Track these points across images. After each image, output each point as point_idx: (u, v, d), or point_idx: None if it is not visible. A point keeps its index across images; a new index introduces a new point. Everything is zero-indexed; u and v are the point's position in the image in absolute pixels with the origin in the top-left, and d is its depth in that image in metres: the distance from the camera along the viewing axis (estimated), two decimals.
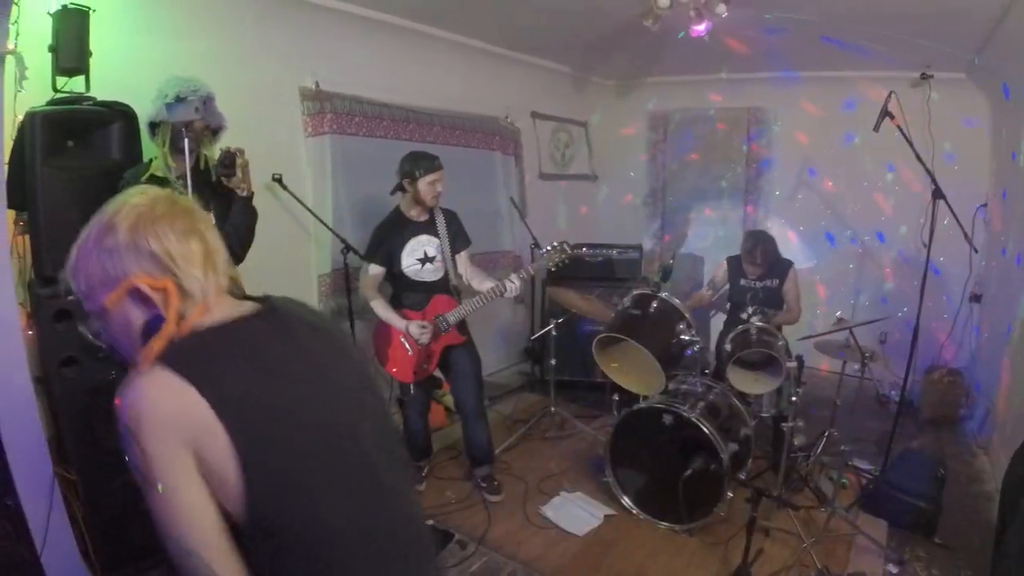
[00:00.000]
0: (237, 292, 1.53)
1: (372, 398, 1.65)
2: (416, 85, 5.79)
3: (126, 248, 1.34)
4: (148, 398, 1.22)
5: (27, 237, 3.37)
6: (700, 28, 4.93)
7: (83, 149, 3.40)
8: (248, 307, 1.49)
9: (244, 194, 3.36)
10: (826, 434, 4.41)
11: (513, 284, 4.18)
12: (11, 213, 3.26)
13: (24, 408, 3.17)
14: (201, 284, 1.38)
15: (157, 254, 1.34)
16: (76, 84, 3.47)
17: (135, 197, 1.41)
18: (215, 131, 3.37)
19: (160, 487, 1.20)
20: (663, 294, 4.41)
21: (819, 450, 4.43)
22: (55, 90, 3.43)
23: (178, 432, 1.22)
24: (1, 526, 3.32)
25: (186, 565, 1.23)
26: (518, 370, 7.13)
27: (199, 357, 1.30)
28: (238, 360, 1.35)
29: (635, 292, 4.57)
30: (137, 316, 1.36)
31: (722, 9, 4.65)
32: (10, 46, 3.12)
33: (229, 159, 3.26)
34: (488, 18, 5.61)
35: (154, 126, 3.27)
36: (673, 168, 8.23)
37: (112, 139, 3.46)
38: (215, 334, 1.36)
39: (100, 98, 3.49)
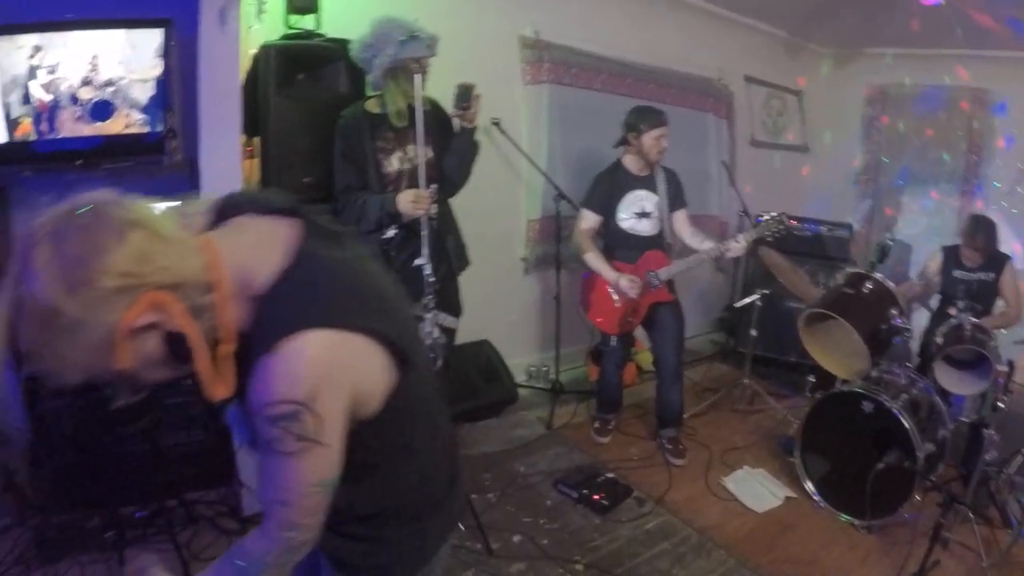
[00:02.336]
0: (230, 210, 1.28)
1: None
2: (632, 40, 5.57)
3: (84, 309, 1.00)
4: (319, 361, 1.10)
5: (254, 161, 3.50)
6: None
7: (312, 82, 3.50)
8: (284, 235, 1.22)
9: (471, 126, 3.33)
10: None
11: (738, 244, 3.97)
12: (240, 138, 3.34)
13: None
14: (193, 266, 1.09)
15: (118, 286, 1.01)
16: (307, 22, 3.56)
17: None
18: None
19: (323, 443, 1.13)
20: (878, 275, 4.07)
21: (1012, 469, 3.85)
22: (287, 27, 3.53)
23: (346, 383, 1.15)
24: (206, 421, 3.51)
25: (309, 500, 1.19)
26: (710, 339, 6.83)
27: (335, 305, 1.16)
28: (357, 297, 1.22)
29: (849, 270, 4.25)
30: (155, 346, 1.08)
31: None
32: None
33: (467, 92, 3.24)
34: None
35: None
36: (888, 147, 7.47)
37: (339, 74, 3.53)
38: (324, 274, 1.20)
39: (329, 35, 3.55)
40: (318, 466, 1.15)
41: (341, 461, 1.19)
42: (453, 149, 3.36)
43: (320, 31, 3.55)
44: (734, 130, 6.72)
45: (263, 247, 1.19)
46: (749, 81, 6.94)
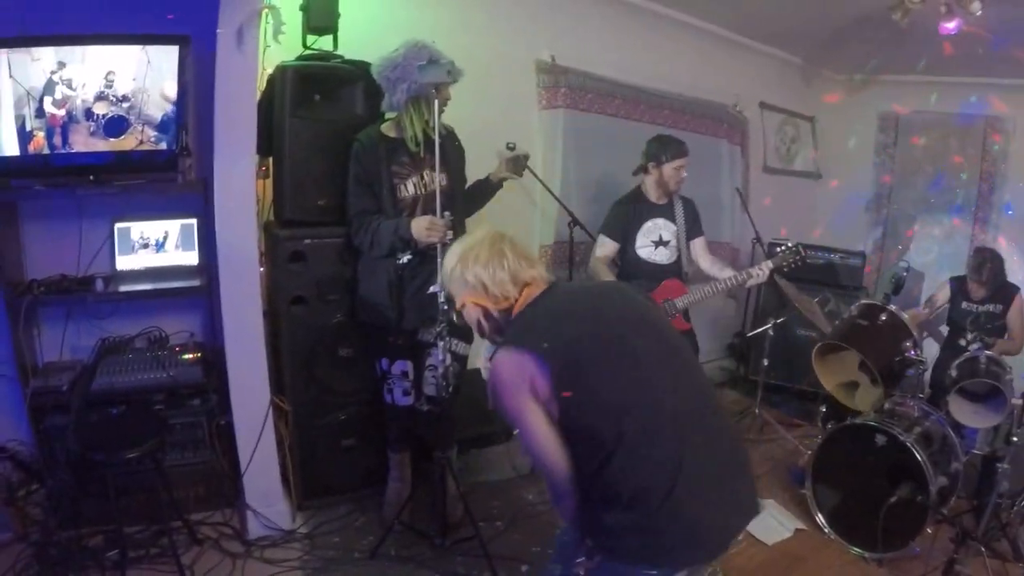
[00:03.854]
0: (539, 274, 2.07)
1: (647, 325, 2.02)
2: (648, 66, 5.52)
3: (460, 280, 2.03)
4: (501, 370, 1.81)
5: (267, 182, 3.47)
6: (950, 26, 4.47)
7: (329, 103, 3.45)
8: (542, 287, 2.03)
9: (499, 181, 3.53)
10: None
11: (761, 272, 3.95)
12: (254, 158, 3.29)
13: (252, 339, 3.30)
14: (509, 291, 1.98)
15: (476, 283, 2.00)
16: (324, 43, 3.52)
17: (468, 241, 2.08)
18: None
19: (519, 427, 1.81)
20: (892, 307, 4.06)
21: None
22: (305, 47, 3.49)
23: (522, 386, 1.76)
24: (212, 442, 3.55)
25: (543, 469, 1.88)
26: (719, 365, 6.70)
27: (523, 330, 1.92)
28: (545, 322, 1.90)
29: (863, 301, 4.26)
30: (477, 313, 2.06)
31: (976, 7, 4.18)
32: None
33: (524, 163, 3.49)
34: (725, 1, 5.29)
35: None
36: (901, 174, 7.38)
37: (356, 96, 3.50)
38: (531, 310, 1.96)
39: (346, 57, 3.51)
40: (528, 445, 1.85)
41: (548, 448, 1.82)
42: (476, 192, 3.51)
43: (337, 52, 3.50)
44: (748, 156, 6.66)
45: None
46: (764, 107, 6.90)
